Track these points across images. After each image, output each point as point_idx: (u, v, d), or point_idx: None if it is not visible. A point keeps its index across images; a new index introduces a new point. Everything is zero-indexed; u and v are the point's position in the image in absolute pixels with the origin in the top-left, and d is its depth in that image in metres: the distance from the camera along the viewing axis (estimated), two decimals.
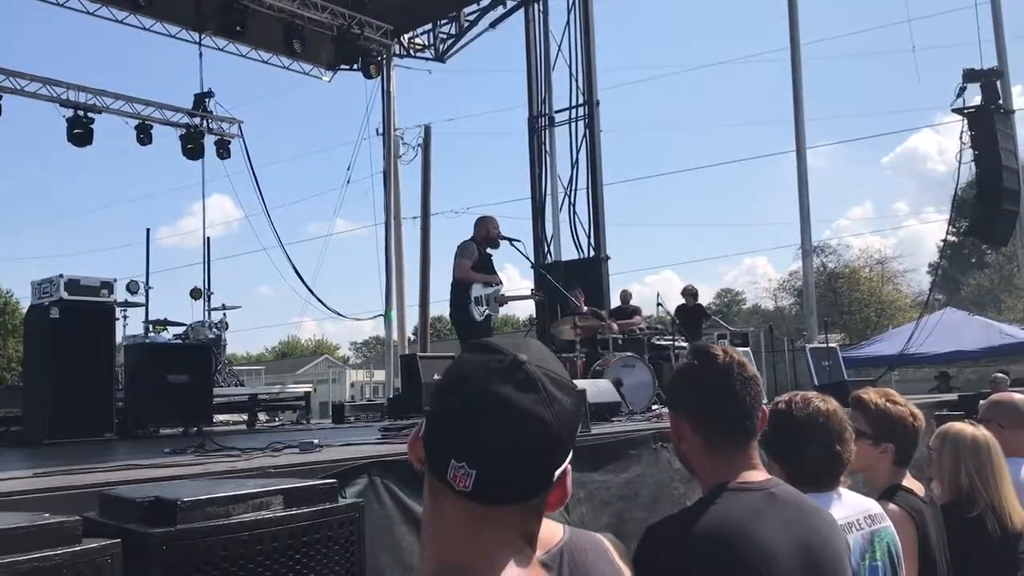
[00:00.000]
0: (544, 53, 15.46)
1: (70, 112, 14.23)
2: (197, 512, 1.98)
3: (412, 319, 18.08)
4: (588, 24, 14.84)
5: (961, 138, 12.84)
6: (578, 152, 14.83)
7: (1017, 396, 3.88)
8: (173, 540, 1.91)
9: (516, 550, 1.13)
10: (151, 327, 10.94)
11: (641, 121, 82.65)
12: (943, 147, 65.43)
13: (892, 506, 2.57)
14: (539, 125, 15.40)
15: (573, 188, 14.85)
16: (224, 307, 12.47)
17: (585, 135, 14.72)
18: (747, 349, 12.11)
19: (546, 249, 15.17)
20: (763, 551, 1.67)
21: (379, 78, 16.62)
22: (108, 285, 7.37)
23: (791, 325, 33.30)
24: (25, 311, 8.31)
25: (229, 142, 16.11)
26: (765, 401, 1.94)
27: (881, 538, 2.27)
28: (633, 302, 13.09)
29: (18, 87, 13.80)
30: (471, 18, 16.96)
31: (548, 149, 15.33)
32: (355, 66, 16.02)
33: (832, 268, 42.47)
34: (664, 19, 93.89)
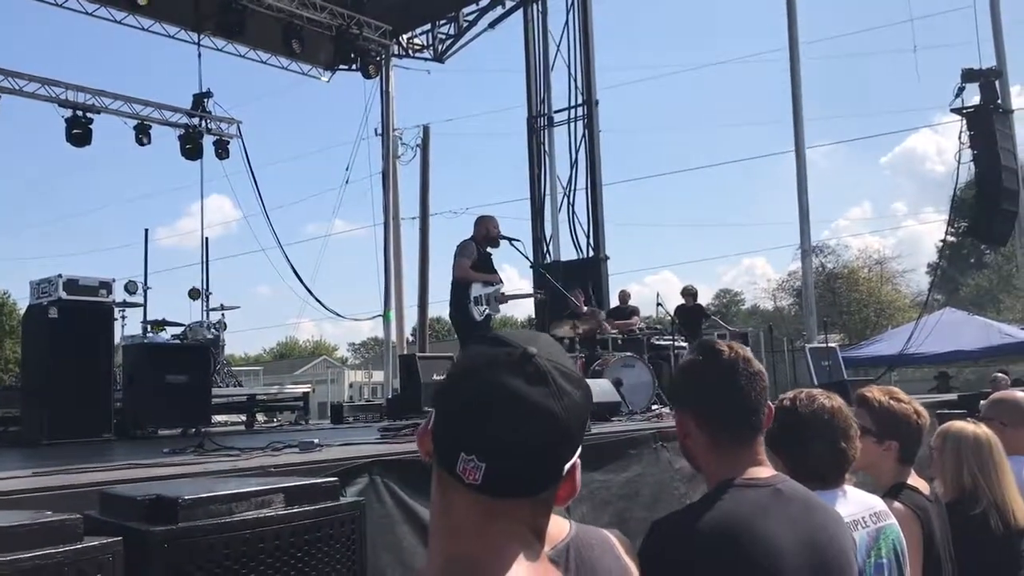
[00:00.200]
0: (543, 53, 15.47)
1: (69, 112, 14.22)
2: (198, 510, 1.97)
3: (411, 319, 18.11)
4: (587, 24, 14.85)
5: (960, 138, 12.86)
6: (577, 152, 14.85)
7: (1019, 394, 3.88)
8: (174, 538, 1.90)
9: (525, 544, 1.12)
10: (149, 327, 10.93)
11: (640, 121, 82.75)
12: (942, 147, 65.56)
13: (897, 504, 2.57)
14: (538, 125, 15.40)
15: (572, 188, 14.86)
16: (222, 307, 12.45)
17: (584, 135, 14.73)
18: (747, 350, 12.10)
19: (545, 249, 15.17)
20: (769, 547, 1.66)
21: (378, 78, 16.62)
22: (106, 285, 7.36)
23: (790, 325, 33.33)
24: (23, 311, 8.30)
25: (228, 142, 16.10)
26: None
27: (887, 536, 2.26)
28: (632, 302, 13.08)
29: (17, 87, 13.79)
30: (470, 18, 16.97)
31: (547, 149, 15.34)
32: (354, 66, 16.02)
33: (831, 268, 42.55)
34: (663, 19, 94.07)
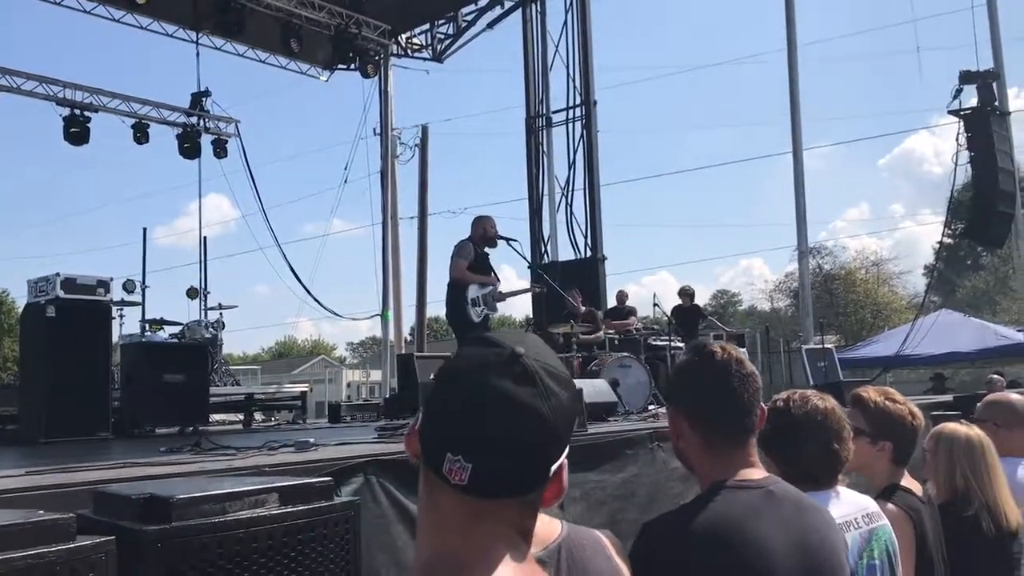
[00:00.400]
0: (542, 53, 15.48)
1: (67, 111, 14.22)
2: (192, 509, 1.97)
3: (409, 319, 18.08)
4: (585, 25, 14.87)
5: (957, 140, 12.88)
6: (575, 152, 14.86)
7: (1014, 396, 3.89)
8: (168, 537, 1.90)
9: (511, 544, 1.12)
10: (147, 326, 10.93)
11: (639, 122, 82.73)
12: (940, 149, 65.58)
13: (890, 505, 2.57)
14: (536, 125, 15.41)
15: (570, 188, 14.88)
16: (220, 306, 12.45)
17: (582, 135, 14.74)
18: (743, 350, 12.12)
19: (543, 249, 15.18)
20: (761, 549, 1.66)
21: (376, 78, 16.62)
22: (104, 284, 7.36)
23: (787, 326, 33.37)
24: (21, 310, 8.30)
25: (226, 141, 16.10)
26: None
27: (879, 537, 2.27)
28: (629, 303, 13.11)
29: (14, 85, 13.79)
30: (469, 18, 16.98)
31: (545, 149, 15.35)
32: (352, 66, 16.03)
33: (828, 270, 42.55)
34: (662, 20, 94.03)
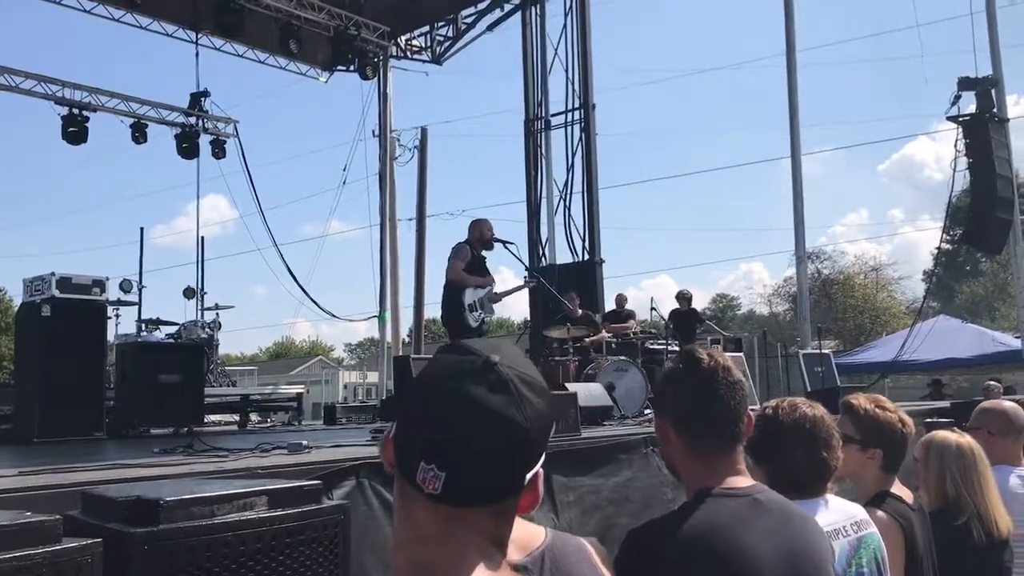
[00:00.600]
0: (541, 57, 15.47)
1: (65, 110, 14.21)
2: (180, 512, 1.97)
3: (407, 321, 18.04)
4: (585, 28, 14.87)
5: (956, 146, 12.88)
6: (574, 155, 14.85)
7: (1007, 404, 3.90)
8: (155, 540, 1.89)
9: (485, 553, 1.11)
10: (144, 326, 10.91)
11: (638, 125, 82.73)
12: (940, 155, 65.58)
13: (880, 513, 2.57)
14: (535, 128, 15.40)
15: (568, 191, 14.86)
16: (217, 307, 12.45)
17: (581, 138, 14.74)
18: (740, 354, 12.13)
19: (541, 252, 15.16)
20: (747, 558, 1.66)
21: (376, 79, 16.62)
22: (100, 283, 7.35)
23: (786, 331, 33.37)
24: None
25: (225, 142, 16.09)
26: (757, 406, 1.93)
27: (867, 544, 2.27)
28: (628, 306, 13.12)
29: (13, 84, 13.78)
30: (468, 21, 16.98)
31: (544, 152, 15.33)
32: (352, 67, 16.00)
33: (827, 274, 42.56)
34: (661, 23, 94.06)
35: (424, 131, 18.64)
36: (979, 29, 13.27)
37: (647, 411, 8.16)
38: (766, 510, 1.76)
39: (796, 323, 20.11)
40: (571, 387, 6.64)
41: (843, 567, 2.16)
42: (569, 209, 14.84)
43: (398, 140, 17.72)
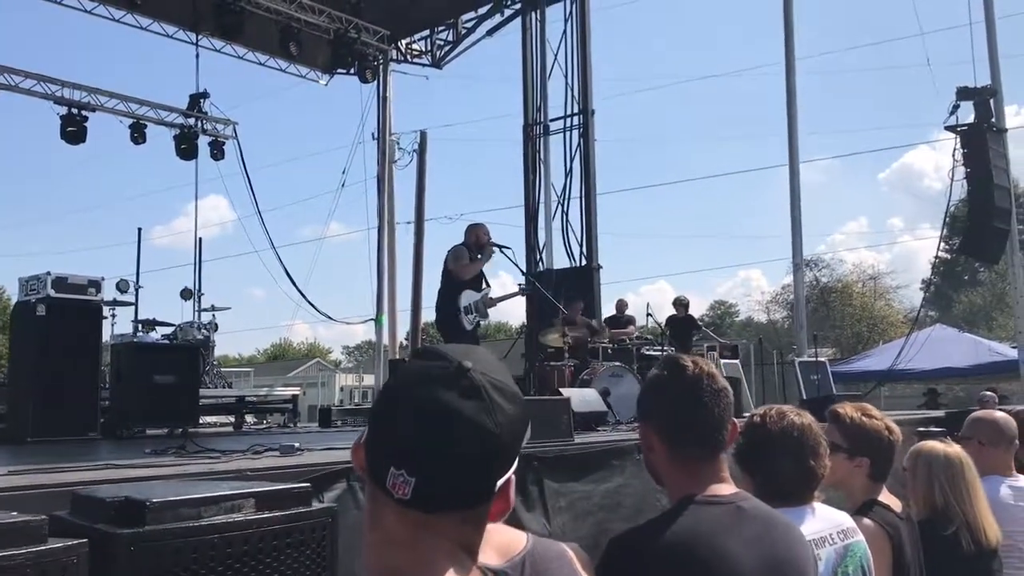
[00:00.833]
0: (540, 62, 15.48)
1: (64, 110, 14.22)
2: (167, 513, 1.97)
3: (404, 324, 18.03)
4: (585, 34, 14.89)
5: (954, 155, 12.89)
6: (572, 161, 14.86)
7: (998, 414, 3.91)
8: (141, 541, 1.89)
9: (455, 559, 1.11)
10: (140, 327, 10.91)
11: (639, 131, 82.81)
12: (939, 164, 65.57)
13: (867, 521, 2.58)
14: (534, 133, 15.40)
15: (566, 197, 14.86)
16: (213, 308, 12.44)
17: (579, 144, 14.75)
18: (736, 361, 12.14)
19: (538, 257, 15.16)
20: (730, 565, 1.66)
21: (375, 83, 16.63)
22: (95, 283, 7.35)
23: (783, 338, 33.34)
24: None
25: (223, 143, 16.10)
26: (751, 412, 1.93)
27: (854, 553, 2.28)
28: (627, 312, 13.13)
29: (12, 83, 13.79)
30: (468, 25, 17.00)
31: (542, 157, 15.34)
32: (351, 70, 16.02)
33: (825, 282, 42.59)
34: (663, 31, 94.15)
35: (423, 134, 18.61)
36: (978, 39, 13.30)
37: None
38: (749, 518, 1.76)
39: (793, 331, 20.12)
40: (565, 392, 6.65)
41: (829, 575, 2.17)
42: (567, 214, 14.85)
43: (397, 143, 17.73)
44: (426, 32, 17.44)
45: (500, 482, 1.11)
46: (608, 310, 13.75)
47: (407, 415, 1.09)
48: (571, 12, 15.00)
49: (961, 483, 3.13)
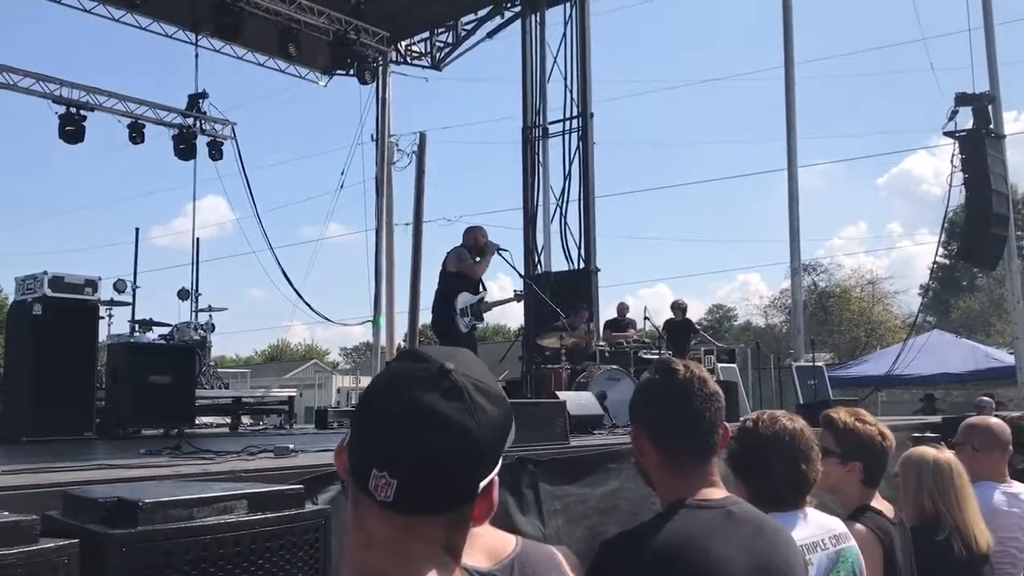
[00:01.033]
0: (540, 65, 15.49)
1: (62, 109, 14.20)
2: (159, 514, 1.96)
3: (402, 326, 18.04)
4: (584, 37, 14.90)
5: (952, 161, 12.92)
6: (571, 164, 14.86)
7: (992, 420, 3.91)
8: (133, 541, 1.89)
9: (438, 562, 1.10)
10: (136, 327, 10.90)
11: (639, 135, 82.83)
12: (939, 169, 65.60)
13: (859, 526, 2.58)
14: (533, 136, 15.41)
15: (565, 199, 14.86)
16: (210, 308, 12.43)
17: (578, 147, 14.75)
18: (734, 365, 12.15)
19: (536, 260, 15.16)
20: (720, 569, 1.66)
21: (375, 84, 16.63)
22: (92, 283, 7.34)
23: (782, 343, 33.36)
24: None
25: (222, 143, 16.08)
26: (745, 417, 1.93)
27: (846, 558, 2.28)
28: (627, 315, 13.15)
29: (11, 82, 13.77)
30: (468, 27, 16.99)
31: (541, 160, 15.34)
32: (351, 72, 16.02)
33: (823, 287, 42.61)
34: (662, 34, 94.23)
35: (422, 136, 18.56)
36: (977, 45, 13.32)
37: None
38: (739, 522, 1.76)
39: (791, 335, 20.13)
40: (561, 395, 6.65)
41: None
42: (565, 217, 14.85)
43: (396, 145, 17.72)
44: (426, 34, 17.44)
45: (483, 483, 1.10)
46: (607, 313, 13.78)
47: (389, 417, 1.08)
48: (571, 15, 15.01)
49: (951, 489, 3.13)
